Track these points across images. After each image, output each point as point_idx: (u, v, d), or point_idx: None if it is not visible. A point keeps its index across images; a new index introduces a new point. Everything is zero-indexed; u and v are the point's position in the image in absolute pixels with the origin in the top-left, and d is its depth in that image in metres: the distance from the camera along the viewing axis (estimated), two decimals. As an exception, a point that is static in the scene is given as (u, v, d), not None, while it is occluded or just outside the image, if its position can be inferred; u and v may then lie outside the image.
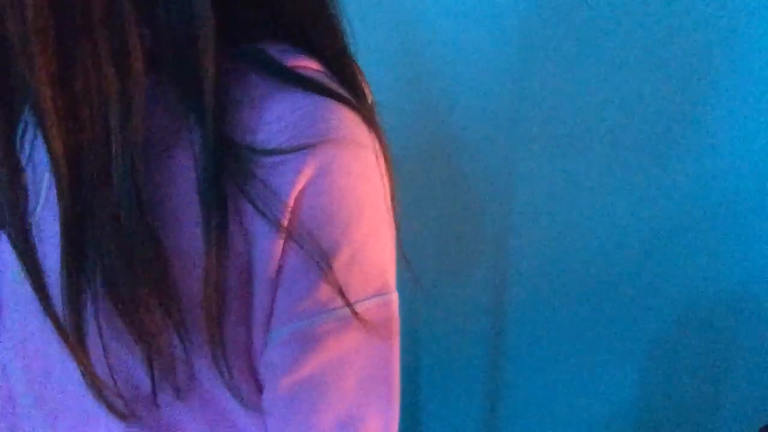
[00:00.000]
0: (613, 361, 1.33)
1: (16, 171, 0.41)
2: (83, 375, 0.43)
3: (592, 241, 1.26)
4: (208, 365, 0.44)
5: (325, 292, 0.43)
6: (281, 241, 0.42)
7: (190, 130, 0.41)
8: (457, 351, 1.42)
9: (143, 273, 0.41)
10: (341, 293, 0.43)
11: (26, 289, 0.43)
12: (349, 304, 0.43)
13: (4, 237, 0.47)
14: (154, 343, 0.42)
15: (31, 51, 0.36)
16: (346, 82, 0.45)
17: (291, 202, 0.41)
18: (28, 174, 0.46)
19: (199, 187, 0.41)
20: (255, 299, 0.44)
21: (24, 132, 0.46)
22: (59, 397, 0.49)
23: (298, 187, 0.41)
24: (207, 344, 0.43)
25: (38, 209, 0.45)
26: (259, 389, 0.47)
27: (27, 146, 0.47)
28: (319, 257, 0.42)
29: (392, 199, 0.47)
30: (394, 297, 0.46)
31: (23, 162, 0.44)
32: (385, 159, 0.46)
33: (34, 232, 0.43)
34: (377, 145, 0.45)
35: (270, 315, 0.44)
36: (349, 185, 0.42)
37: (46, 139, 0.38)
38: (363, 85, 0.48)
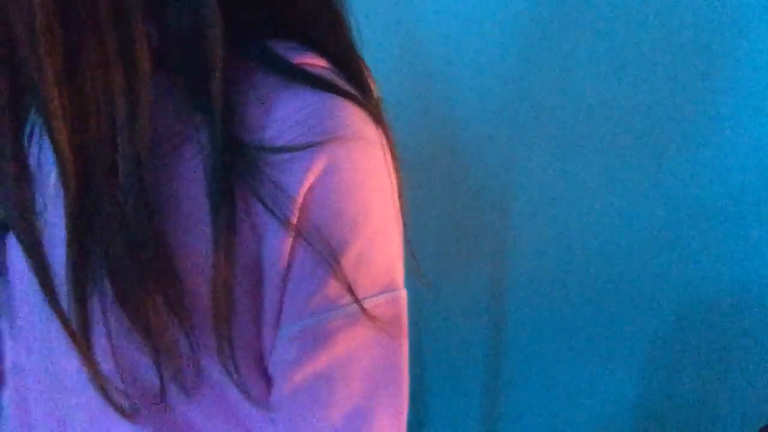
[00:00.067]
0: (613, 360, 1.33)
1: (24, 171, 0.41)
2: (88, 373, 0.43)
3: (593, 241, 1.26)
4: (216, 363, 0.44)
5: (334, 288, 0.43)
6: (290, 239, 0.42)
7: (198, 129, 0.41)
8: (457, 351, 1.42)
9: (149, 272, 0.41)
10: (350, 290, 0.43)
11: (37, 289, 0.43)
12: (357, 301, 0.43)
13: (14, 237, 0.47)
14: (160, 341, 0.42)
15: (39, 51, 0.36)
16: (352, 79, 0.45)
17: (300, 200, 0.41)
18: (36, 174, 0.46)
19: (207, 185, 0.41)
20: (264, 297, 0.44)
21: (32, 132, 0.46)
22: (71, 396, 0.49)
23: (307, 184, 0.41)
24: (214, 342, 0.43)
25: (46, 209, 0.45)
26: (269, 386, 0.47)
27: (35, 146, 0.47)
28: (327, 254, 0.42)
29: (399, 195, 0.47)
30: (403, 294, 0.46)
31: (31, 162, 0.44)
32: (393, 155, 0.46)
33: (43, 231, 0.42)
34: (384, 142, 0.45)
35: (279, 312, 0.44)
36: (358, 182, 0.42)
37: (53, 139, 0.38)
38: (369, 81, 0.48)
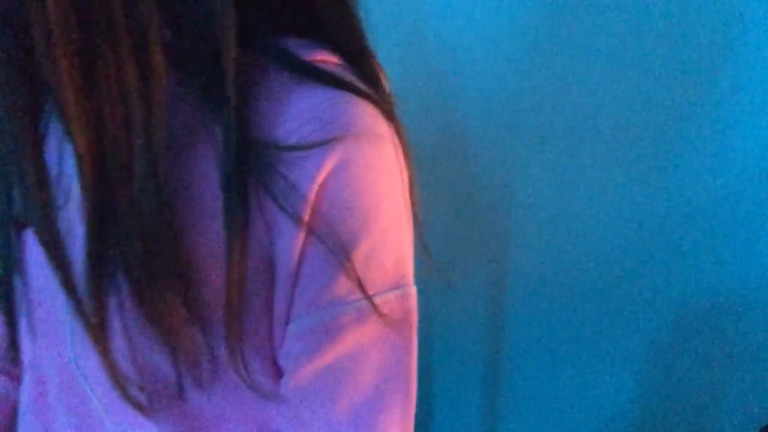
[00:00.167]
0: (614, 360, 1.34)
1: (43, 169, 0.41)
2: (105, 368, 0.43)
3: (593, 241, 1.26)
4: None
5: (344, 284, 0.43)
6: (302, 235, 0.42)
7: (212, 127, 0.42)
8: (457, 351, 1.42)
9: (165, 269, 0.41)
10: (360, 286, 0.43)
11: (54, 284, 0.43)
12: (368, 297, 0.43)
13: (31, 233, 0.47)
14: (177, 336, 0.42)
15: (55, 54, 0.37)
16: (365, 76, 0.45)
17: (312, 197, 0.41)
18: (55, 171, 0.46)
19: (221, 183, 0.41)
20: (276, 292, 0.44)
21: (50, 129, 0.46)
22: (88, 391, 0.49)
23: (319, 181, 0.41)
24: (224, 337, 0.43)
25: (65, 205, 0.45)
26: (278, 379, 0.47)
27: (53, 144, 0.47)
28: (339, 250, 0.42)
29: (411, 192, 0.47)
30: (413, 290, 0.47)
31: (50, 159, 0.44)
32: (404, 152, 0.46)
33: (62, 228, 0.43)
34: (396, 139, 0.45)
35: (290, 306, 0.44)
36: (369, 179, 0.43)
37: (70, 139, 0.39)
38: (382, 78, 0.48)
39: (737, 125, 1.13)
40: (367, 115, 0.43)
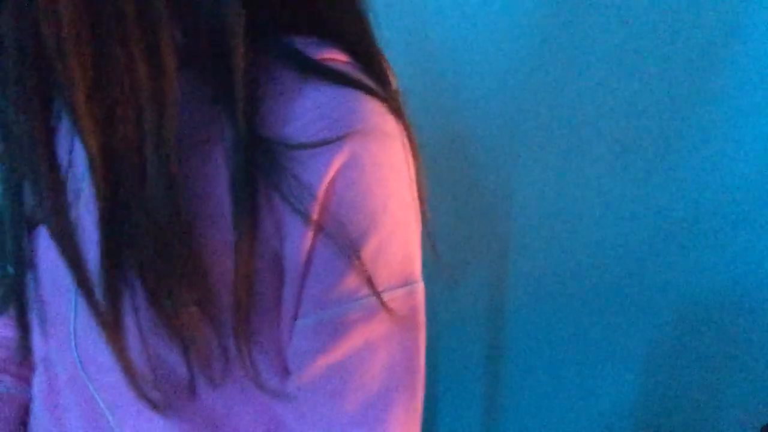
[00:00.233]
0: (614, 360, 1.34)
1: (55, 168, 0.41)
2: (119, 365, 0.43)
3: (594, 241, 1.26)
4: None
5: (352, 281, 0.43)
6: (311, 233, 0.42)
7: (221, 126, 0.42)
8: (458, 350, 1.42)
9: (178, 268, 0.41)
10: (369, 282, 0.43)
11: (66, 282, 0.43)
12: (376, 294, 0.43)
13: (43, 231, 0.47)
14: (190, 335, 0.42)
15: (67, 55, 0.37)
16: (373, 74, 0.46)
17: (321, 195, 0.41)
18: (68, 170, 0.46)
19: (230, 181, 0.41)
20: (284, 290, 0.44)
21: (62, 129, 0.46)
22: (101, 388, 0.49)
23: (327, 179, 0.41)
24: (232, 335, 0.43)
25: (78, 204, 0.45)
26: (286, 376, 0.47)
27: (66, 144, 0.47)
28: (347, 247, 0.42)
29: (419, 189, 0.47)
30: (420, 287, 0.47)
31: (62, 158, 0.44)
32: (412, 149, 0.46)
33: (75, 226, 0.43)
34: (404, 136, 0.46)
35: (298, 303, 0.44)
36: (378, 176, 0.43)
37: (82, 140, 0.39)
38: (390, 76, 0.48)
39: (738, 125, 1.13)
40: (375, 112, 0.43)
